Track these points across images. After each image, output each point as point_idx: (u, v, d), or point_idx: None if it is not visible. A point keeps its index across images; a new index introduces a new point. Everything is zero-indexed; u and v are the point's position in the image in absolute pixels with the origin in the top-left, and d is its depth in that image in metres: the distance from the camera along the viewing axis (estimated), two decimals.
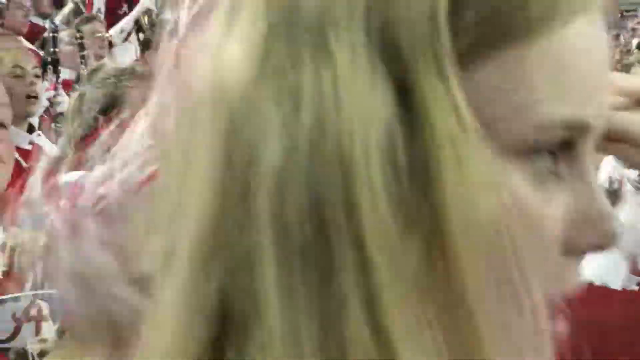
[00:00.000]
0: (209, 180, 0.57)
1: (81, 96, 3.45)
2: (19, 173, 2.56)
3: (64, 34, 6.57)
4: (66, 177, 3.11)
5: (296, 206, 0.56)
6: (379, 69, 0.57)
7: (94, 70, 3.62)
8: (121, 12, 9.30)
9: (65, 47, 6.38)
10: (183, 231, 0.59)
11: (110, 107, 3.32)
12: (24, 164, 3.37)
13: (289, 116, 0.56)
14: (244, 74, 0.58)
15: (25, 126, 4.26)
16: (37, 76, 4.40)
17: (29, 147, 3.68)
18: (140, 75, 3.36)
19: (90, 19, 7.56)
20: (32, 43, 7.08)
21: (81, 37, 6.51)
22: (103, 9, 9.37)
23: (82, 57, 6.35)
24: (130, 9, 9.47)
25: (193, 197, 0.59)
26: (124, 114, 3.08)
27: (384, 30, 0.57)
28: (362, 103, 0.56)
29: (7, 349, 1.83)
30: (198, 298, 0.58)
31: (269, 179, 0.56)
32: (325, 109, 0.56)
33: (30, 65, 4.41)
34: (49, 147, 4.30)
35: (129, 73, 3.40)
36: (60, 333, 1.91)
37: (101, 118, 3.31)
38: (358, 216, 0.55)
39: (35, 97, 4.30)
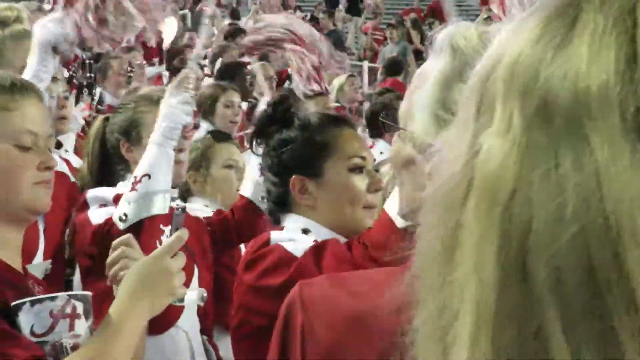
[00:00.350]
0: (488, 260, 0.60)
1: (106, 119, 3.49)
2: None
3: (112, 63, 6.59)
4: (92, 192, 3.14)
5: (572, 275, 0.57)
6: (639, 150, 0.57)
7: (130, 92, 3.67)
8: (149, 44, 9.34)
9: (113, 77, 6.42)
10: (465, 309, 0.60)
11: (130, 130, 3.36)
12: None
13: (555, 202, 0.58)
14: (511, 166, 0.60)
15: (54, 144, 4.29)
16: (66, 98, 4.47)
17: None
18: (156, 101, 3.40)
19: (131, 49, 7.61)
20: (67, 69, 7.11)
21: (130, 70, 6.54)
22: (133, 39, 9.39)
23: (128, 83, 6.40)
24: (161, 62, 9.50)
25: (471, 275, 0.60)
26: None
27: (639, 114, 0.58)
28: (626, 185, 0.57)
29: (44, 342, 1.84)
30: None
31: (545, 255, 0.58)
32: (589, 195, 0.57)
33: (61, 89, 4.43)
34: (75, 162, 4.37)
35: (145, 99, 3.44)
36: (91, 330, 1.94)
37: (122, 139, 3.35)
38: (630, 283, 0.56)
39: (65, 118, 4.32)
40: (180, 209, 2.21)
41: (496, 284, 0.59)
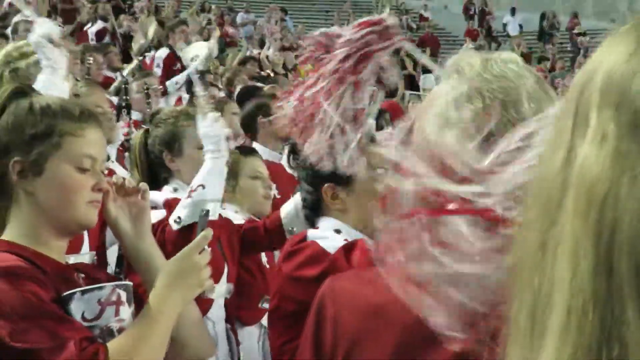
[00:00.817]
0: (584, 255, 0.58)
1: (146, 132, 3.53)
2: None
3: (133, 85, 6.72)
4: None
5: None
6: None
7: (154, 114, 3.71)
8: (175, 68, 9.44)
9: (135, 95, 6.53)
10: (559, 298, 0.59)
11: (172, 143, 3.41)
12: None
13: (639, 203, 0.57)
14: (605, 172, 0.58)
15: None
16: (117, 118, 4.57)
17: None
18: (193, 117, 3.44)
19: (148, 74, 7.70)
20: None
21: (147, 88, 6.64)
22: (161, 65, 9.50)
23: (148, 103, 6.48)
24: (182, 66, 9.58)
25: (568, 267, 0.59)
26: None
27: None
28: None
29: (94, 326, 1.87)
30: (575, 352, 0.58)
31: (627, 250, 0.57)
32: None
33: (106, 105, 4.51)
34: (120, 172, 4.41)
35: (184, 114, 3.49)
36: (133, 315, 1.97)
37: (165, 150, 3.41)
38: None
39: (113, 129, 4.39)
40: (205, 212, 2.25)
41: (590, 276, 0.58)
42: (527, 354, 0.62)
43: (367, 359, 1.29)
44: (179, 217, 3.04)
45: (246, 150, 4.07)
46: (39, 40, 3.48)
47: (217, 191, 3.07)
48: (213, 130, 3.13)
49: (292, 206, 3.18)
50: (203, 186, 3.05)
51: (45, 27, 3.53)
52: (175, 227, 3.01)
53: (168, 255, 2.89)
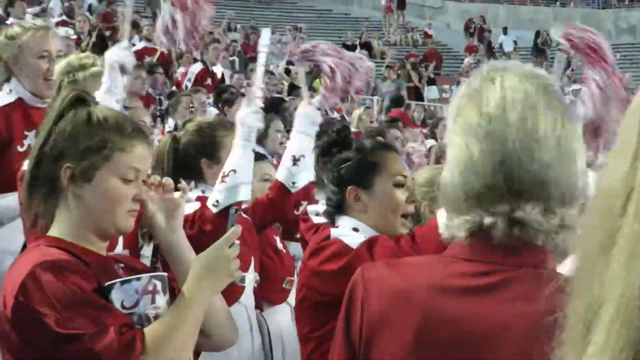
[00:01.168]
0: (638, 255, 0.57)
1: (175, 138, 3.44)
2: None
3: (182, 99, 6.69)
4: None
5: None
6: None
7: (187, 121, 3.67)
8: (206, 84, 9.39)
9: (182, 110, 6.51)
10: (610, 297, 0.58)
11: (212, 152, 3.37)
12: None
13: None
14: None
15: None
16: (152, 126, 4.51)
17: None
18: (229, 126, 3.40)
19: (198, 91, 7.66)
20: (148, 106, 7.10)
21: (192, 106, 6.63)
22: (193, 79, 9.47)
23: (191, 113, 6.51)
24: (213, 81, 9.54)
25: (622, 268, 0.58)
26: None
27: None
28: None
29: (132, 313, 1.86)
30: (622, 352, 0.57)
31: None
32: None
33: (148, 120, 4.46)
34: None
35: (222, 125, 3.45)
36: (168, 303, 1.94)
37: (204, 158, 3.37)
38: None
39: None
40: (234, 210, 2.26)
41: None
42: (578, 350, 0.60)
43: (388, 341, 1.29)
44: (217, 201, 3.02)
45: (257, 156, 4.06)
46: (112, 63, 3.44)
47: (248, 174, 3.06)
48: (252, 120, 3.09)
49: (283, 167, 3.25)
50: (235, 171, 3.03)
51: (122, 55, 3.46)
52: (214, 210, 3.01)
53: (208, 234, 2.89)
